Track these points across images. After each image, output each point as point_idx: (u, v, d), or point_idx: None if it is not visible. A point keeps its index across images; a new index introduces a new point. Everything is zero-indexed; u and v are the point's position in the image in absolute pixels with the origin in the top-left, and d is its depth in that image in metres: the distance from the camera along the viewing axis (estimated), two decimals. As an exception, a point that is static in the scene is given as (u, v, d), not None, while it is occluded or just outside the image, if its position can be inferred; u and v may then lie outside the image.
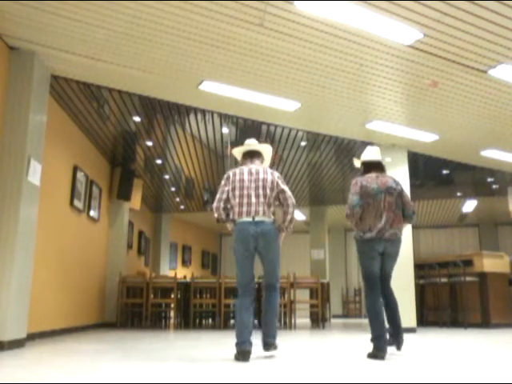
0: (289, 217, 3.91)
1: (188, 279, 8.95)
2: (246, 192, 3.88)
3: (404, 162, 7.92)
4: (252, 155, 4.13)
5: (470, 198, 11.88)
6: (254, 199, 3.85)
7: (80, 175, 7.15)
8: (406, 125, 6.97)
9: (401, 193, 4.13)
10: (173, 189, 10.83)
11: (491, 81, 5.51)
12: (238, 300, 3.83)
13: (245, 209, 3.84)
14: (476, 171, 9.29)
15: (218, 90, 5.81)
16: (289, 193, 3.94)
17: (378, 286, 3.97)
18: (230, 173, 4.02)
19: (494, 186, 10.59)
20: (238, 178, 3.95)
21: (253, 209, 3.83)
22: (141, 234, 11.92)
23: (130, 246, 10.49)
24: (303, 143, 7.79)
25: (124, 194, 8.93)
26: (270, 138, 7.56)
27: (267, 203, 3.87)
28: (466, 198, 11.99)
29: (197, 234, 16.39)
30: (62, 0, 4.08)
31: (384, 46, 4.79)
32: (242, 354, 3.65)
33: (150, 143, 7.84)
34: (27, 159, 4.79)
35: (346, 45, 4.78)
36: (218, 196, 3.98)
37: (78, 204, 7.10)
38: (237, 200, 3.89)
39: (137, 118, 6.81)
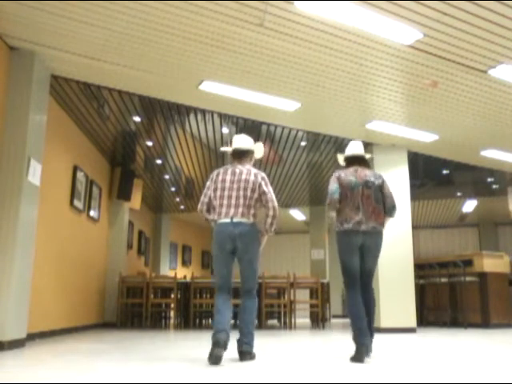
0: (269, 220, 3.84)
1: (188, 279, 8.95)
2: (226, 193, 3.85)
3: (404, 162, 7.93)
4: (240, 155, 4.02)
5: (470, 198, 11.88)
6: (234, 200, 3.82)
7: (80, 175, 7.15)
8: (405, 125, 6.97)
9: (381, 186, 4.04)
10: (173, 189, 10.84)
11: (491, 81, 5.51)
12: (215, 297, 3.81)
13: (224, 210, 3.81)
14: (476, 171, 9.29)
15: (218, 90, 5.81)
16: (270, 195, 3.86)
17: (358, 281, 3.88)
18: (215, 173, 3.99)
19: (494, 186, 10.59)
20: (220, 178, 3.92)
21: (232, 210, 3.79)
22: (141, 233, 11.92)
23: (130, 246, 10.49)
24: (303, 143, 7.79)
25: (124, 194, 8.93)
26: (270, 138, 7.57)
27: (247, 205, 3.81)
28: (466, 198, 11.99)
29: (197, 234, 16.39)
30: (62, 0, 4.09)
31: (384, 46, 4.79)
32: (217, 344, 3.45)
33: (150, 143, 7.84)
34: (27, 159, 4.79)
35: (346, 45, 4.78)
36: (201, 198, 3.98)
37: (78, 204, 7.10)
38: (218, 201, 3.86)
39: (137, 118, 6.81)
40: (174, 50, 4.93)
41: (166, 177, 9.84)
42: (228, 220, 3.77)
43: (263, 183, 3.87)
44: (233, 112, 6.52)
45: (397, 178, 7.87)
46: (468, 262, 8.45)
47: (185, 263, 15.45)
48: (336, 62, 5.14)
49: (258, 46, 4.83)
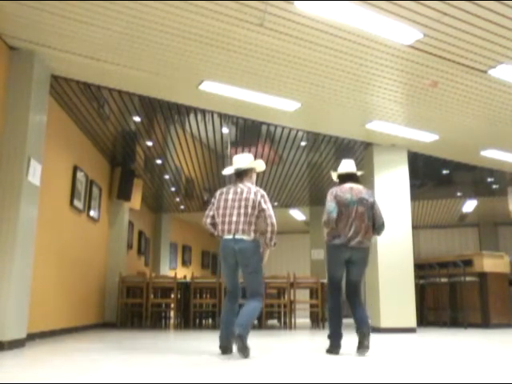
0: (269, 235, 4.16)
1: (188, 279, 8.95)
2: (228, 211, 4.21)
3: (404, 162, 7.93)
4: (240, 175, 4.37)
5: (470, 198, 11.88)
6: (235, 218, 4.17)
7: (80, 175, 7.15)
8: (405, 125, 6.97)
9: (373, 205, 4.36)
10: (173, 189, 10.83)
11: (491, 81, 5.51)
12: (224, 302, 4.33)
13: (226, 227, 4.18)
14: (476, 171, 9.29)
15: (218, 90, 5.81)
16: (269, 212, 4.17)
17: (339, 289, 4.33)
18: (218, 192, 4.39)
19: (494, 186, 10.59)
20: (223, 197, 4.30)
21: (233, 227, 4.15)
22: (141, 233, 11.92)
23: (130, 246, 10.49)
24: (303, 143, 7.78)
25: (124, 194, 8.92)
26: (269, 138, 7.57)
27: (248, 222, 4.15)
28: (466, 198, 11.99)
29: (197, 234, 16.39)
30: (62, 0, 4.08)
31: (384, 46, 4.79)
32: (222, 349, 4.14)
33: (150, 143, 7.84)
34: (27, 159, 4.79)
35: (346, 45, 4.78)
36: (206, 212, 4.39)
37: (78, 204, 7.10)
38: (220, 218, 4.24)
39: (137, 118, 6.81)
40: (174, 50, 4.93)
41: (166, 177, 9.84)
42: (230, 236, 4.16)
43: (262, 201, 4.20)
44: (233, 112, 6.52)
45: (397, 178, 7.86)
46: (468, 262, 8.45)
47: (185, 263, 15.45)
48: (336, 61, 5.14)
49: (258, 46, 4.82)
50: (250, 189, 4.25)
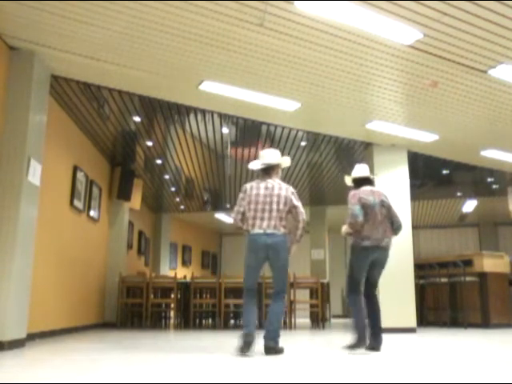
0: (299, 231, 4.26)
1: (188, 279, 8.95)
2: (260, 206, 4.25)
3: (404, 162, 7.92)
4: (269, 170, 4.41)
5: (470, 198, 11.88)
6: (267, 213, 4.23)
7: (80, 175, 7.15)
8: (405, 125, 6.97)
9: (389, 206, 4.49)
10: (173, 189, 10.84)
11: (491, 81, 5.51)
12: (244, 299, 4.30)
13: (258, 222, 4.22)
14: (476, 171, 9.28)
15: (218, 90, 5.81)
16: (301, 208, 4.28)
17: (360, 287, 4.41)
18: (248, 186, 4.39)
19: (494, 186, 10.59)
20: (254, 192, 4.31)
21: (265, 222, 4.20)
22: (141, 233, 11.92)
23: (130, 246, 10.49)
24: (303, 143, 7.78)
25: (124, 194, 8.92)
26: (270, 138, 7.56)
27: (279, 217, 4.22)
28: (466, 198, 11.99)
29: (197, 233, 16.39)
30: (62, 0, 4.08)
31: (384, 46, 4.79)
32: (245, 344, 4.03)
33: (150, 143, 7.84)
34: (27, 159, 4.79)
35: (346, 45, 4.78)
36: (236, 208, 4.39)
37: (78, 204, 7.10)
38: (251, 213, 4.26)
39: (137, 118, 6.81)
40: (174, 50, 4.93)
41: (166, 177, 9.84)
42: (262, 231, 4.20)
43: (293, 198, 4.32)
44: (233, 112, 6.52)
45: (397, 178, 7.86)
46: (468, 262, 8.45)
47: (185, 263, 15.45)
48: (336, 61, 5.14)
49: (258, 45, 4.82)
50: (280, 185, 4.33)
